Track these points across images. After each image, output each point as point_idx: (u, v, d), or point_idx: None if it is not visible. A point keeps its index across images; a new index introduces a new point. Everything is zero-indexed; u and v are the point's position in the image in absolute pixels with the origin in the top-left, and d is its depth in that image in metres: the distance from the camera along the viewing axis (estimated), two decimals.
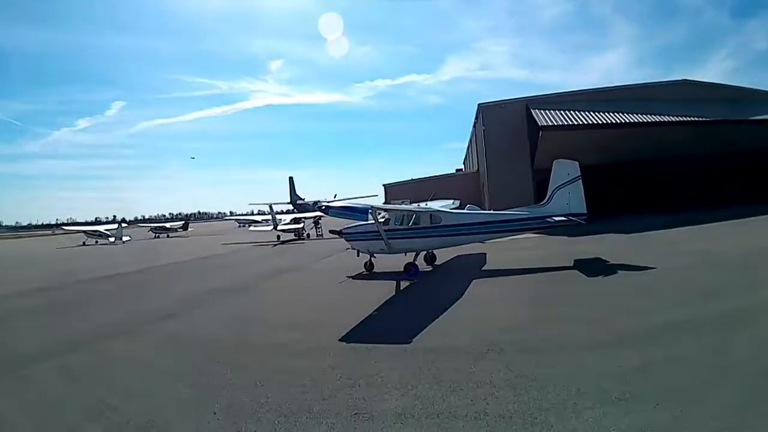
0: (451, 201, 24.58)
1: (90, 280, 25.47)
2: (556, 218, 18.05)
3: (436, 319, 11.86)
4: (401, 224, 19.73)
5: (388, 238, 19.11)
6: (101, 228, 61.60)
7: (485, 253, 22.74)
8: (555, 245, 23.71)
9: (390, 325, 12.16)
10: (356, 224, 19.97)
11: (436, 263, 21.67)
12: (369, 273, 20.21)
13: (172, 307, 16.11)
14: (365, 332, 11.28)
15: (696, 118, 29.93)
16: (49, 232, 72.16)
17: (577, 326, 10.73)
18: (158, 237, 70.00)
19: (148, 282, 24.25)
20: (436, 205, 22.19)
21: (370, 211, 15.11)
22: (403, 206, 21.35)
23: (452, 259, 22.72)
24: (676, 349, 8.70)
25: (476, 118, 39.95)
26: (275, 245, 41.47)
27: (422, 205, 22.10)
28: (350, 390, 7.95)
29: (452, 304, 13.42)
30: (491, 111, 37.05)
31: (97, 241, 56.39)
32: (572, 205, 18.06)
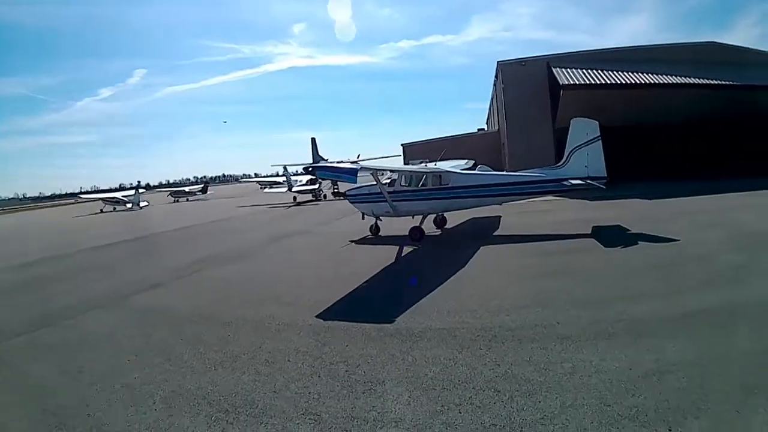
0: (464, 161, 22.93)
1: (91, 249, 25.11)
2: (573, 181, 16.34)
3: (429, 294, 10.92)
4: (407, 186, 18.57)
5: (394, 200, 18.15)
6: (119, 195, 61.35)
7: (500, 217, 21.38)
8: (573, 210, 22.05)
9: (376, 300, 11.29)
10: (360, 186, 19.15)
11: (446, 227, 20.62)
12: (374, 237, 19.48)
13: (162, 276, 15.71)
14: (347, 308, 10.51)
15: (724, 82, 27.31)
16: (72, 201, 72.49)
17: (585, 310, 9.36)
18: (177, 201, 69.67)
19: (147, 250, 23.81)
20: (446, 165, 20.74)
21: (359, 172, 13.96)
22: (403, 167, 20.17)
23: (464, 222, 21.46)
24: (704, 344, 7.36)
25: (496, 76, 37.88)
26: (289, 207, 40.88)
27: (431, 165, 20.74)
28: (307, 382, 7.14)
29: (451, 276, 12.44)
30: (511, 69, 34.82)
31: (114, 208, 56.20)
32: (591, 168, 16.42)
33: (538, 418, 5.75)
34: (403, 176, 18.63)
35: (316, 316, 9.83)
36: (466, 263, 14.00)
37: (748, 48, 32.17)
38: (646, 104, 29.57)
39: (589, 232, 16.53)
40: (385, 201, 18.06)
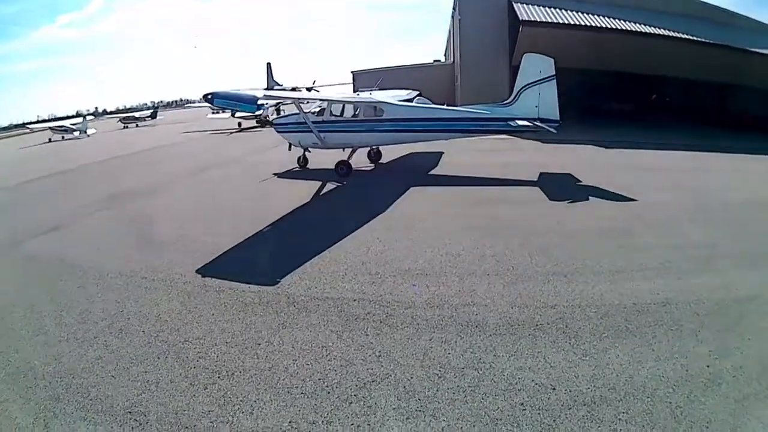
0: (407, 92, 20.08)
1: (14, 186, 21.61)
2: (520, 122, 14.40)
3: (329, 248, 9.38)
4: (337, 116, 16.45)
5: (322, 131, 16.14)
6: (67, 123, 57.34)
7: (442, 153, 19.10)
8: (522, 151, 19.76)
9: (267, 253, 9.73)
10: (288, 114, 17.95)
11: (381, 161, 18.74)
12: (301, 169, 18.03)
13: (66, 217, 14.02)
14: (232, 261, 9.22)
15: (692, 37, 24.95)
16: (26, 131, 68.17)
17: (510, 287, 7.43)
18: (127, 127, 66.42)
19: (66, 185, 20.78)
20: (384, 95, 18.13)
21: (259, 101, 11.69)
22: (307, 94, 18.05)
23: (401, 157, 19.22)
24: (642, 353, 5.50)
25: (454, 7, 34.92)
26: (231, 133, 38.47)
27: (364, 94, 18.57)
28: (151, 364, 5.97)
29: (364, 224, 10.82)
30: (469, 1, 31.80)
31: (63, 137, 52.61)
32: (542, 109, 14.29)
33: None
34: (332, 106, 16.60)
35: (197, 271, 8.62)
36: (388, 207, 12.04)
37: (725, 9, 29.82)
38: (614, 51, 27.14)
39: (536, 179, 14.38)
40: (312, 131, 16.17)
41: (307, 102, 17.75)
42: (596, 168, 15.41)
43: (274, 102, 33.74)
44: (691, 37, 24.58)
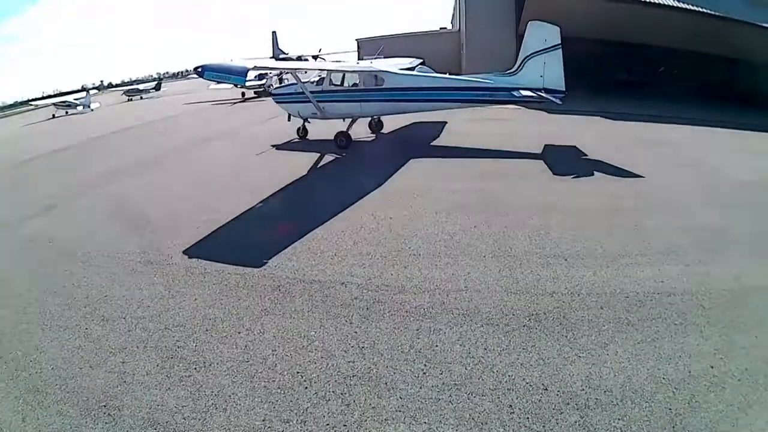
0: (409, 60, 19.37)
1: (18, 164, 21.03)
2: (524, 92, 13.77)
3: (321, 226, 9.07)
4: (337, 85, 15.88)
5: (321, 102, 15.60)
6: (70, 98, 56.56)
7: (445, 123, 18.54)
8: (529, 122, 19.01)
9: (257, 231, 9.35)
10: (287, 84, 17.45)
11: (382, 131, 18.24)
12: (300, 140, 17.61)
13: (62, 195, 13.62)
14: (221, 241, 8.87)
15: (703, 10, 23.65)
16: (32, 107, 67.78)
17: (504, 270, 7.08)
18: (131, 100, 65.40)
19: (60, 164, 20.03)
20: (385, 64, 17.54)
21: (249, 72, 11.20)
22: (303, 64, 17.54)
23: (403, 128, 18.64)
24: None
25: None
26: (234, 104, 37.65)
27: (364, 63, 18.19)
28: (129, 355, 5.71)
29: (359, 200, 10.47)
30: None
31: (66, 112, 52.11)
32: (547, 79, 13.63)
33: None
34: (331, 75, 16.02)
35: (184, 252, 8.36)
36: (382, 183, 11.58)
37: None
38: (623, 20, 25.92)
39: (540, 151, 13.85)
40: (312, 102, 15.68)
41: (306, 71, 17.13)
42: (603, 141, 14.79)
43: (277, 72, 32.97)
44: (701, 9, 23.44)
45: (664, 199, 9.74)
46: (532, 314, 5.89)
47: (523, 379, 4.84)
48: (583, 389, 4.64)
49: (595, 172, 11.58)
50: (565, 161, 12.69)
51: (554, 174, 11.75)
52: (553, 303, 6.10)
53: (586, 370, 4.89)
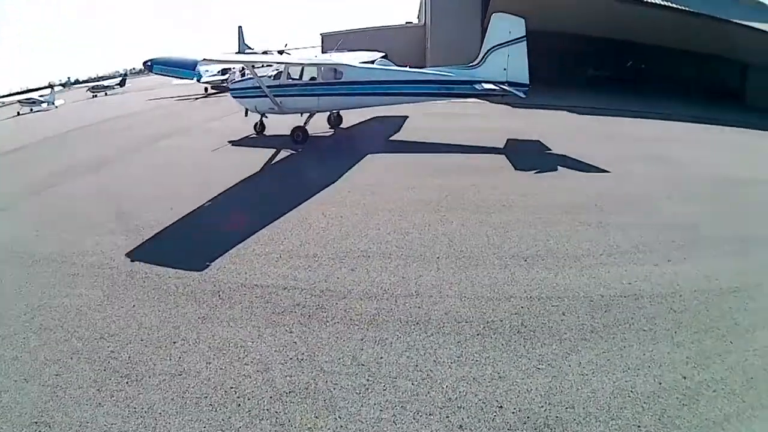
0: (369, 54, 18.89)
1: None
2: (486, 85, 13.41)
3: (269, 225, 8.54)
4: (295, 79, 15.38)
5: (278, 96, 15.03)
6: (35, 95, 54.90)
7: (406, 117, 18.11)
8: (492, 116, 18.73)
9: (202, 232, 8.79)
10: (244, 79, 17.12)
11: (341, 126, 17.58)
12: (258, 136, 16.89)
13: (15, 196, 12.56)
14: (166, 242, 8.39)
15: (672, 5, 23.81)
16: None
17: (458, 273, 6.52)
18: (96, 96, 64.02)
19: (14, 163, 18.51)
20: (344, 57, 17.07)
21: (199, 66, 10.48)
22: (259, 57, 17.19)
23: (363, 122, 18.10)
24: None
25: None
26: (196, 99, 36.52)
27: (323, 56, 18.19)
28: (63, 366, 5.23)
29: (310, 197, 9.84)
30: None
31: (31, 109, 50.41)
32: (511, 72, 13.35)
33: None
34: (289, 69, 15.51)
35: (126, 255, 7.85)
36: (336, 180, 10.95)
37: None
38: (592, 15, 25.90)
39: (502, 146, 13.47)
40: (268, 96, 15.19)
41: (263, 65, 16.67)
42: (568, 135, 14.53)
43: (240, 67, 32.18)
44: (670, 5, 23.53)
45: (631, 194, 9.42)
46: (488, 322, 5.33)
47: (476, 396, 4.28)
48: (542, 406, 4.10)
49: (558, 167, 11.23)
50: (528, 156, 12.37)
51: (516, 169, 11.38)
52: (510, 309, 5.56)
53: (545, 384, 4.35)
